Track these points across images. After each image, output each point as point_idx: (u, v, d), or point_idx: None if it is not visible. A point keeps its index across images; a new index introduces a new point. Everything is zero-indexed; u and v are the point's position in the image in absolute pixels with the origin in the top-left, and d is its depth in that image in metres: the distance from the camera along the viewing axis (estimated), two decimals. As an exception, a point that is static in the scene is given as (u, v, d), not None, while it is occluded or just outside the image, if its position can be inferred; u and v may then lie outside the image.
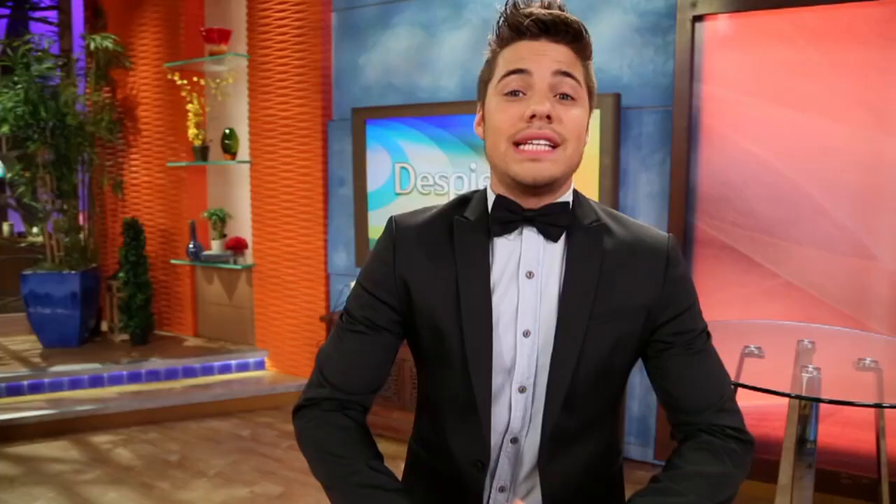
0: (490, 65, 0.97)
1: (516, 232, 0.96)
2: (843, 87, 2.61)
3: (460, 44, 3.51)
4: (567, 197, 0.97)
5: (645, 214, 3.07)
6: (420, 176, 3.53)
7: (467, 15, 3.47)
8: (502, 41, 0.94)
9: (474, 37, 3.46)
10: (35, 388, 3.85)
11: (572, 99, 0.91)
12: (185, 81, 4.23)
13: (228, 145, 4.29)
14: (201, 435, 3.61)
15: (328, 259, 4.06)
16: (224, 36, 4.17)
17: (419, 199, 3.51)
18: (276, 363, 4.29)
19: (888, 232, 2.59)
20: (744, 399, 1.95)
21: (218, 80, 4.30)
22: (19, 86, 4.04)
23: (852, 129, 2.60)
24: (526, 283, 0.95)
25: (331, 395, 1.01)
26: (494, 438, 0.99)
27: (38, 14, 5.16)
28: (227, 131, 4.29)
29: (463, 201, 1.04)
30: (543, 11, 0.90)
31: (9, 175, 4.47)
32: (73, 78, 4.50)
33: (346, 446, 0.96)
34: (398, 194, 3.61)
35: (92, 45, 4.29)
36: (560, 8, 0.91)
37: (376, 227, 3.71)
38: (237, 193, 4.54)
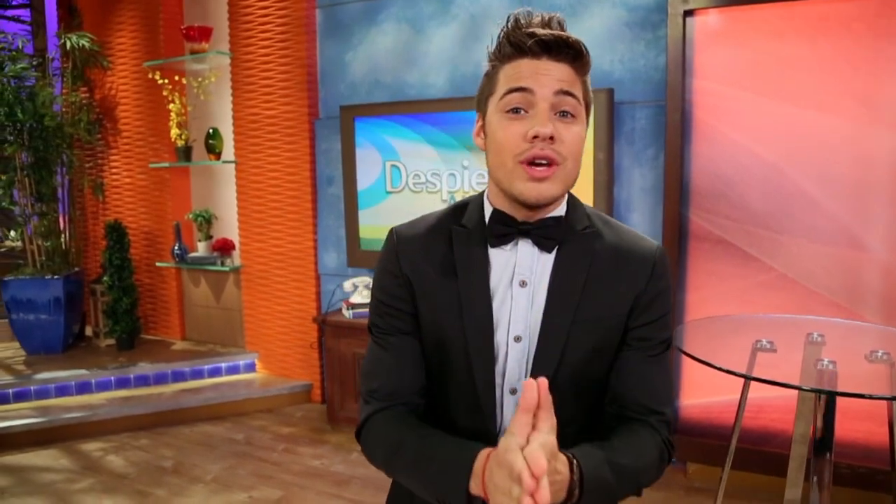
0: (490, 79, 0.98)
1: (512, 243, 1.00)
2: (834, 81, 2.63)
3: (448, 39, 3.48)
4: (561, 210, 1.01)
5: (639, 209, 3.08)
6: (412, 174, 3.50)
7: (454, 10, 3.44)
8: (503, 57, 0.96)
9: (462, 32, 3.43)
10: (21, 396, 3.77)
11: (573, 116, 0.93)
12: (165, 81, 4.15)
13: (212, 145, 4.22)
14: (194, 440, 3.56)
15: (318, 259, 4.01)
16: (205, 34, 4.09)
17: (411, 198, 3.49)
18: (267, 365, 4.24)
19: (880, 223, 2.62)
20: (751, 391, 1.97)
21: (200, 79, 4.22)
22: (-6, 87, 3.93)
23: (844, 121, 2.63)
24: (519, 291, 0.99)
25: (380, 407, 1.02)
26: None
27: (9, 13, 5.01)
28: (211, 131, 4.22)
29: (459, 209, 1.07)
30: (545, 32, 0.92)
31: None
32: (48, 78, 4.39)
33: (402, 432, 0.98)
34: (389, 193, 3.58)
35: (68, 45, 4.18)
36: (560, 25, 0.95)
37: (367, 226, 3.68)
38: (223, 194, 4.47)
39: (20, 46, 4.14)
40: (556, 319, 0.97)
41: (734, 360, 1.69)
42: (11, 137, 4.07)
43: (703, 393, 2.99)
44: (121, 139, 4.58)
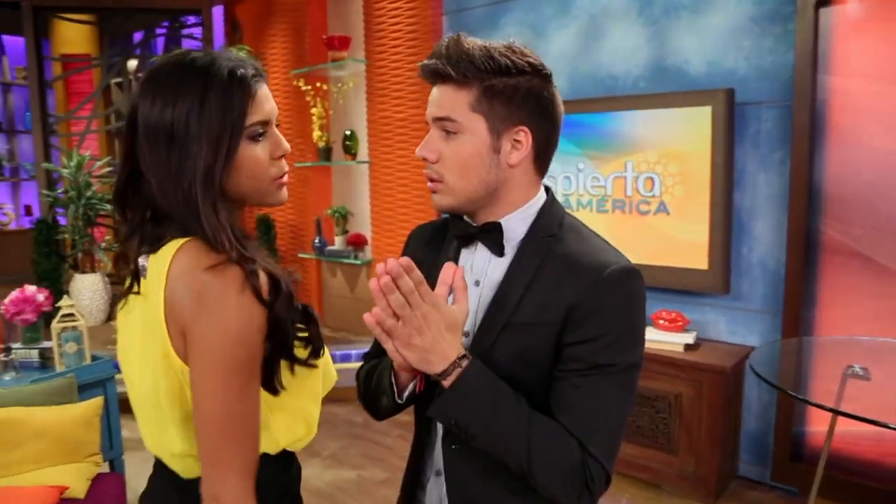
0: None
1: (473, 245, 1.06)
2: None
3: (568, 41, 3.45)
4: (505, 217, 1.02)
5: (763, 217, 2.88)
6: (527, 175, 3.52)
7: (574, 11, 3.40)
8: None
9: (582, 33, 3.39)
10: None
11: (453, 133, 0.98)
12: (309, 87, 4.49)
13: (349, 146, 4.51)
14: (320, 418, 3.85)
15: (441, 256, 4.16)
16: (344, 43, 4.37)
17: (526, 199, 3.51)
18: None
19: None
20: (847, 423, 1.78)
21: (339, 85, 4.52)
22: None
23: None
24: (472, 290, 1.04)
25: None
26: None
27: (185, 31, 5.67)
28: (348, 133, 4.51)
29: None
30: (429, 61, 0.98)
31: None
32: (214, 87, 4.91)
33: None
34: (506, 194, 3.63)
35: (229, 57, 4.66)
36: (455, 45, 0.96)
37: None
38: (358, 192, 4.76)
39: (191, 60, 4.67)
40: (489, 321, 1.00)
41: (821, 387, 1.57)
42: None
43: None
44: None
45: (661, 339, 2.96)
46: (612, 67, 3.29)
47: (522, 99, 0.97)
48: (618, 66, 3.27)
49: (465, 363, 0.90)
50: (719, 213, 2.87)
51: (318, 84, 4.57)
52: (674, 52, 3.08)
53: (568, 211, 1.07)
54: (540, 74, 0.98)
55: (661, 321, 3.00)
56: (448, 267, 0.93)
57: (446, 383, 0.90)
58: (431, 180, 1.01)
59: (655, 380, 2.91)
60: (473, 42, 0.97)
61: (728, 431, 2.88)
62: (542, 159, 1.02)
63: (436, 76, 0.98)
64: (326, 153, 4.63)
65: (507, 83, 0.96)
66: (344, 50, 4.38)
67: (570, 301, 0.94)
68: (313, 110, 4.54)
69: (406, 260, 0.87)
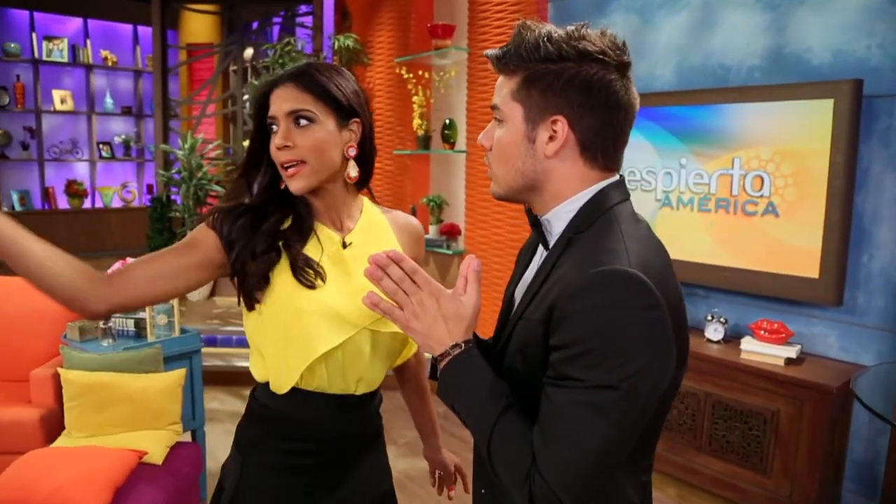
0: None
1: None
2: None
3: (677, 29, 3.26)
4: (551, 211, 0.97)
5: (889, 223, 2.60)
6: (626, 170, 3.37)
7: (687, -3, 3.21)
8: None
9: (693, 21, 3.19)
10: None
11: (500, 122, 0.98)
12: (411, 75, 4.51)
13: (448, 135, 4.50)
14: (401, 405, 3.86)
15: (532, 250, 4.07)
16: (448, 31, 4.35)
17: (623, 195, 3.36)
18: (478, 347, 4.42)
19: None
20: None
21: (441, 73, 4.52)
22: (277, 83, 4.65)
23: None
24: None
25: None
26: None
27: (298, 20, 5.87)
28: (448, 122, 4.50)
29: None
30: (490, 51, 0.99)
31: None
32: (321, 75, 5.05)
33: None
34: (601, 188, 3.49)
35: (336, 45, 4.76)
36: (516, 33, 0.95)
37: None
38: (454, 181, 4.74)
39: (300, 47, 4.82)
40: (515, 312, 1.00)
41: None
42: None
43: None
44: (374, 128, 5.10)
45: (759, 350, 2.74)
46: (725, 57, 3.08)
47: (563, 87, 0.91)
48: (731, 56, 3.05)
49: (456, 351, 0.94)
50: (836, 217, 2.61)
51: (421, 72, 4.58)
52: (795, 39, 2.83)
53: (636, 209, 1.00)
54: (595, 60, 0.90)
55: (762, 331, 2.78)
56: (467, 259, 0.97)
57: (440, 366, 0.95)
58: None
59: (750, 393, 2.70)
60: (535, 29, 0.92)
61: (831, 456, 2.62)
62: (592, 151, 0.93)
63: (493, 65, 0.99)
64: (425, 142, 4.64)
65: (548, 70, 0.91)
66: (447, 38, 4.37)
67: (552, 301, 0.87)
68: (414, 98, 4.57)
69: (395, 252, 0.95)
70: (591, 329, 0.82)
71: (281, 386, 1.22)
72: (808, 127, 2.67)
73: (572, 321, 0.83)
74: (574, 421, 0.82)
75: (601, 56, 0.90)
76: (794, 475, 2.61)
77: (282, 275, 1.19)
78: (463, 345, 0.94)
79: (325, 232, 1.24)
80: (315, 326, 1.17)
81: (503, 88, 0.96)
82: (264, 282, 1.18)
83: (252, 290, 1.19)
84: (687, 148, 3.10)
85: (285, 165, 1.16)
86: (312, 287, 1.18)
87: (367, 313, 1.18)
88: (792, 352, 2.71)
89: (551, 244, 0.97)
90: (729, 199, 2.96)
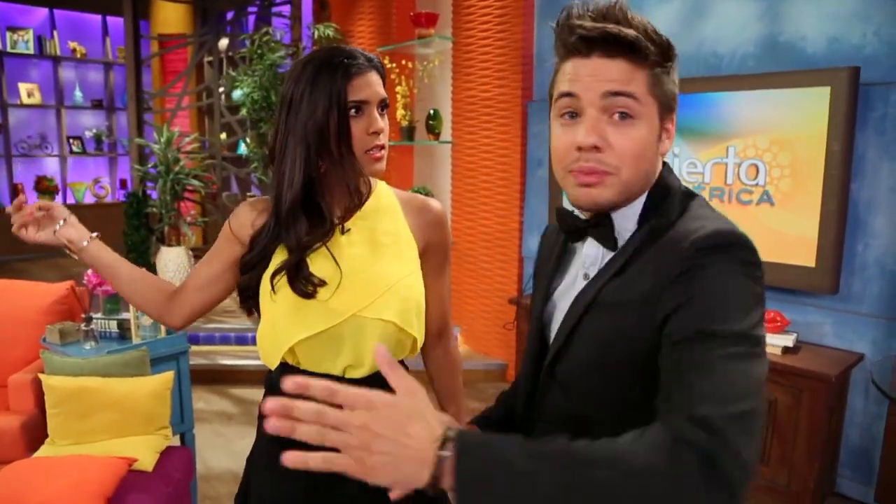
0: (553, 78, 0.91)
1: (581, 240, 0.96)
2: None
3: (670, 16, 3.23)
4: (620, 211, 0.89)
5: (884, 212, 2.60)
6: (617, 160, 3.34)
7: (678, -16, 3.17)
8: (559, 56, 0.89)
9: (686, 8, 3.16)
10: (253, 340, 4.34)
11: (630, 118, 0.83)
12: (394, 65, 4.42)
13: (432, 125, 4.42)
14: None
15: (523, 241, 4.03)
16: (431, 20, 4.27)
17: (614, 185, 3.32)
18: (467, 340, 4.38)
19: None
20: None
21: (425, 63, 4.44)
22: (256, 73, 4.53)
23: None
24: (581, 284, 0.94)
25: None
26: None
27: (275, 10, 5.74)
28: (432, 112, 4.42)
29: None
30: (590, 25, 0.82)
31: (246, 152, 5.05)
32: (301, 65, 4.94)
33: None
34: (592, 179, 3.45)
35: (316, 34, 4.65)
36: (621, 13, 0.83)
37: (568, 212, 3.59)
38: (439, 172, 4.68)
39: (279, 37, 4.70)
40: (578, 304, 0.90)
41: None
42: (268, 117, 4.66)
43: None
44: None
45: (758, 339, 2.73)
46: (718, 45, 3.05)
47: (674, 83, 0.88)
48: (724, 44, 3.03)
49: (450, 446, 0.64)
50: (832, 206, 2.61)
51: (404, 62, 4.50)
52: (789, 27, 2.81)
53: (688, 186, 0.93)
54: (674, 52, 0.87)
55: (759, 320, 2.76)
56: (377, 350, 0.70)
57: (447, 486, 0.64)
58: (594, 172, 0.85)
59: (750, 383, 2.68)
60: (635, 15, 0.85)
61: (827, 444, 2.63)
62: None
63: (606, 44, 0.82)
64: (410, 132, 4.56)
65: (670, 65, 0.86)
66: (431, 27, 4.28)
67: (658, 274, 0.80)
68: (398, 88, 4.48)
69: (292, 382, 0.66)
70: (707, 283, 0.75)
71: (269, 361, 1.24)
72: (804, 115, 2.65)
73: (688, 280, 0.76)
74: (720, 368, 0.70)
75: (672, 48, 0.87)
76: (791, 463, 2.60)
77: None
78: (449, 434, 0.65)
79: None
80: (300, 313, 1.17)
81: (634, 77, 0.83)
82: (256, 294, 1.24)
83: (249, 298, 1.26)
84: (680, 136, 3.07)
85: (376, 149, 1.19)
86: (308, 297, 1.16)
87: (356, 301, 1.15)
88: (789, 340, 2.70)
89: (621, 242, 0.90)
90: (724, 188, 2.94)
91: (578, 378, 0.90)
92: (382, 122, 1.19)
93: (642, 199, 0.89)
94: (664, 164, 0.93)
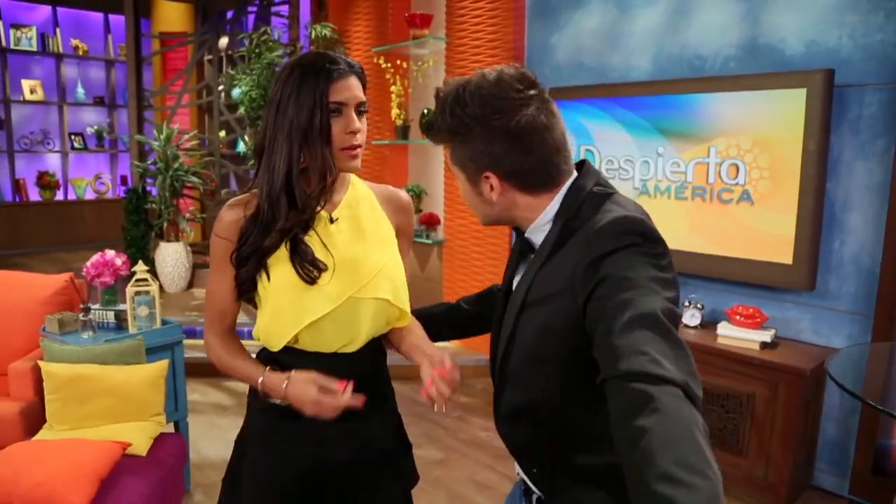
0: None
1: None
2: None
3: (655, 19, 3.30)
4: (528, 230, 1.07)
5: (859, 210, 2.67)
6: (605, 159, 3.41)
7: (664, -12, 3.24)
8: None
9: (670, 11, 3.23)
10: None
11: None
12: (388, 65, 4.50)
13: (426, 125, 4.50)
14: (405, 399, 3.89)
15: (512, 238, 4.09)
16: (426, 21, 4.35)
17: (601, 183, 3.40)
18: (458, 336, 4.45)
19: None
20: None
21: (419, 63, 4.51)
22: (254, 72, 4.61)
23: None
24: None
25: None
26: None
27: (273, 9, 5.81)
28: (426, 111, 4.48)
29: None
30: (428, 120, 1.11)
31: (244, 149, 5.13)
32: (298, 64, 5.01)
33: None
34: (580, 177, 3.52)
35: (313, 34, 4.73)
36: (435, 109, 1.09)
37: (557, 210, 3.67)
38: (433, 171, 4.75)
39: (277, 37, 4.78)
40: (509, 311, 1.06)
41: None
42: (264, 114, 4.73)
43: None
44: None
45: (735, 335, 2.80)
46: (700, 47, 3.12)
47: (481, 153, 1.01)
48: (706, 46, 3.10)
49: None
50: (809, 204, 2.68)
51: (399, 62, 4.57)
52: (769, 30, 2.88)
53: (604, 187, 1.04)
54: (496, 113, 0.98)
55: (738, 316, 2.84)
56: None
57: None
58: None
59: (726, 377, 2.76)
60: (444, 96, 1.04)
61: (804, 437, 2.70)
62: (528, 180, 1.02)
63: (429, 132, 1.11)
64: (404, 131, 4.64)
65: (464, 144, 1.02)
66: (425, 28, 4.36)
67: (574, 262, 0.94)
68: (392, 88, 4.56)
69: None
70: (617, 264, 0.88)
71: (272, 346, 1.31)
72: (782, 116, 2.72)
73: (602, 263, 0.89)
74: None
75: (496, 106, 0.99)
76: (769, 456, 2.68)
77: (279, 264, 1.26)
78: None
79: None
80: (303, 299, 1.25)
81: (447, 153, 1.08)
82: (254, 286, 1.30)
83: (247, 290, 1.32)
84: (664, 136, 3.15)
85: (352, 147, 1.26)
86: (313, 282, 1.24)
87: (352, 284, 1.27)
88: (767, 336, 2.78)
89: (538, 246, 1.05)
90: (705, 187, 3.01)
91: (524, 373, 1.03)
92: (359, 124, 1.27)
93: (543, 217, 1.04)
94: (584, 162, 1.06)
